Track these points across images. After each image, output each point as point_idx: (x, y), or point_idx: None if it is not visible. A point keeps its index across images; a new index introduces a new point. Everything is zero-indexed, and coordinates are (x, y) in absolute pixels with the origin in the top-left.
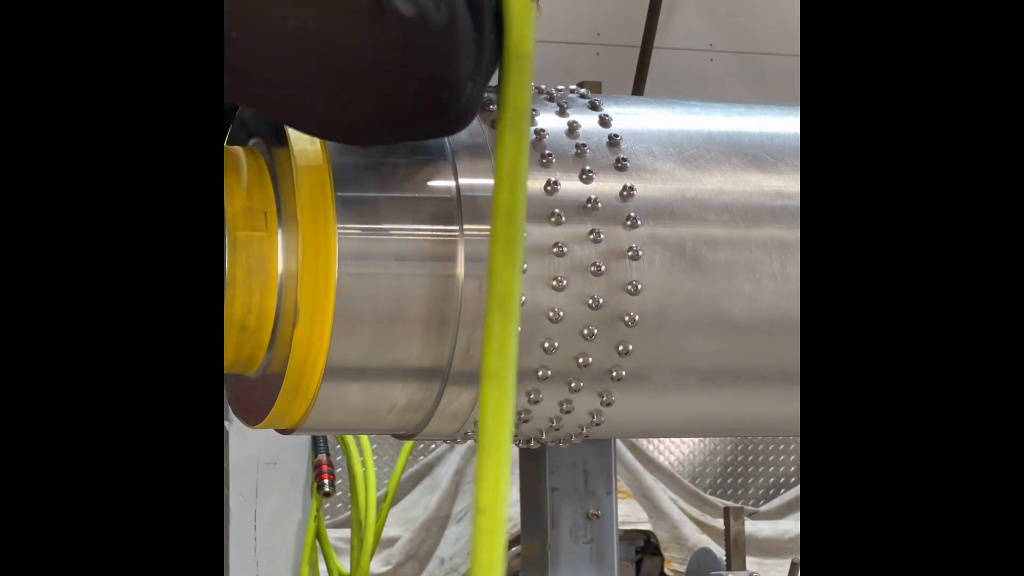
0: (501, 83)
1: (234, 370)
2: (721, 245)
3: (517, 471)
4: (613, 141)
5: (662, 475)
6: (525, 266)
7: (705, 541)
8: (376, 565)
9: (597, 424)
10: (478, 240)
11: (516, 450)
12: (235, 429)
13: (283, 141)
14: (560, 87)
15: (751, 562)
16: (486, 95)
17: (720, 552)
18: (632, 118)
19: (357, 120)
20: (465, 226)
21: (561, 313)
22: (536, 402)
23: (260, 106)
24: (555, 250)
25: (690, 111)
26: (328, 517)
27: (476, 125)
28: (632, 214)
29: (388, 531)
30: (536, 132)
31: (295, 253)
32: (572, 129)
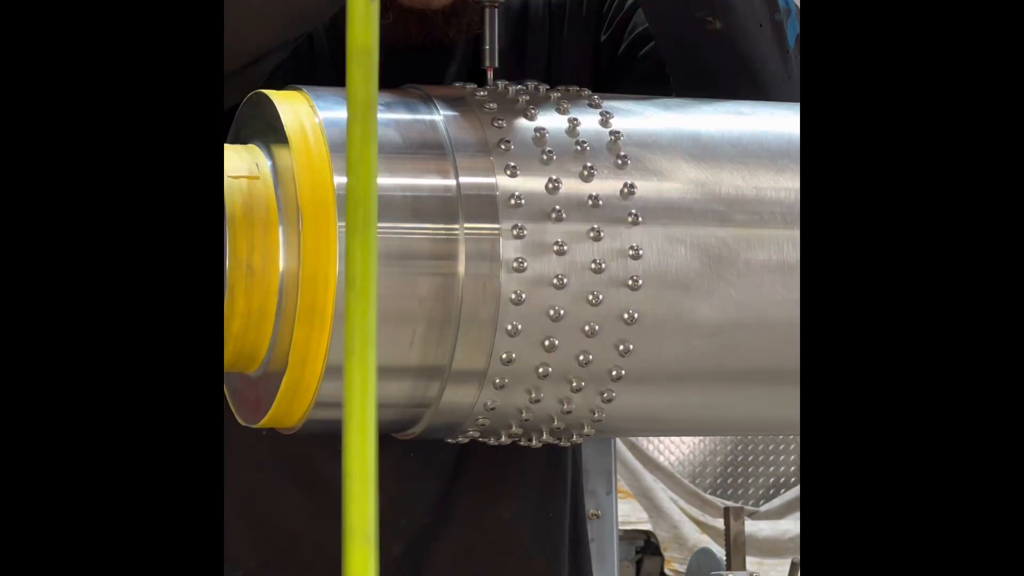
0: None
1: (235, 368)
2: (722, 243)
3: None
4: (614, 139)
5: (662, 475)
6: (525, 264)
7: (705, 541)
8: None
9: (598, 421)
10: (479, 239)
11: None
12: None
13: (283, 140)
14: (560, 86)
15: (751, 562)
16: (501, 89)
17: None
18: (632, 116)
19: None
20: (466, 224)
21: (562, 312)
22: (537, 401)
23: None
24: (555, 248)
25: (691, 109)
26: None
27: (477, 123)
28: (633, 212)
29: None
30: (537, 131)
31: (296, 251)
32: (572, 127)
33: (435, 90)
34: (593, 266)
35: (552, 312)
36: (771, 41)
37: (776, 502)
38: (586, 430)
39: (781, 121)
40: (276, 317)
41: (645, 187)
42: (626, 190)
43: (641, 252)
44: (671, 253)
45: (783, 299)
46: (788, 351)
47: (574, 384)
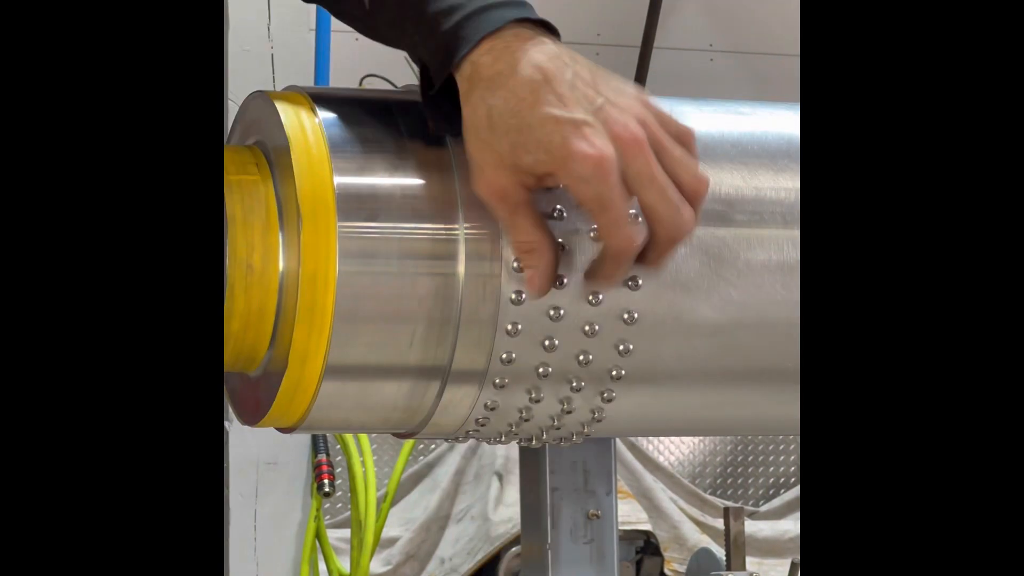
0: None
1: (234, 368)
2: (722, 243)
3: (517, 471)
4: None
5: (662, 475)
6: (520, 264)
7: (705, 541)
8: (376, 565)
9: (598, 421)
10: (479, 239)
11: (516, 449)
12: (235, 429)
13: (283, 140)
14: None
15: (751, 562)
16: None
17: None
18: None
19: None
20: (466, 224)
21: (562, 311)
22: (537, 401)
23: None
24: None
25: (691, 110)
26: (328, 517)
27: None
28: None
29: (388, 531)
30: None
31: (296, 251)
32: None
33: None
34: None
35: (552, 312)
36: None
37: (776, 502)
38: (586, 430)
39: (781, 121)
40: (276, 317)
41: None
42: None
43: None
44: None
45: (783, 299)
46: (788, 351)
47: (574, 384)
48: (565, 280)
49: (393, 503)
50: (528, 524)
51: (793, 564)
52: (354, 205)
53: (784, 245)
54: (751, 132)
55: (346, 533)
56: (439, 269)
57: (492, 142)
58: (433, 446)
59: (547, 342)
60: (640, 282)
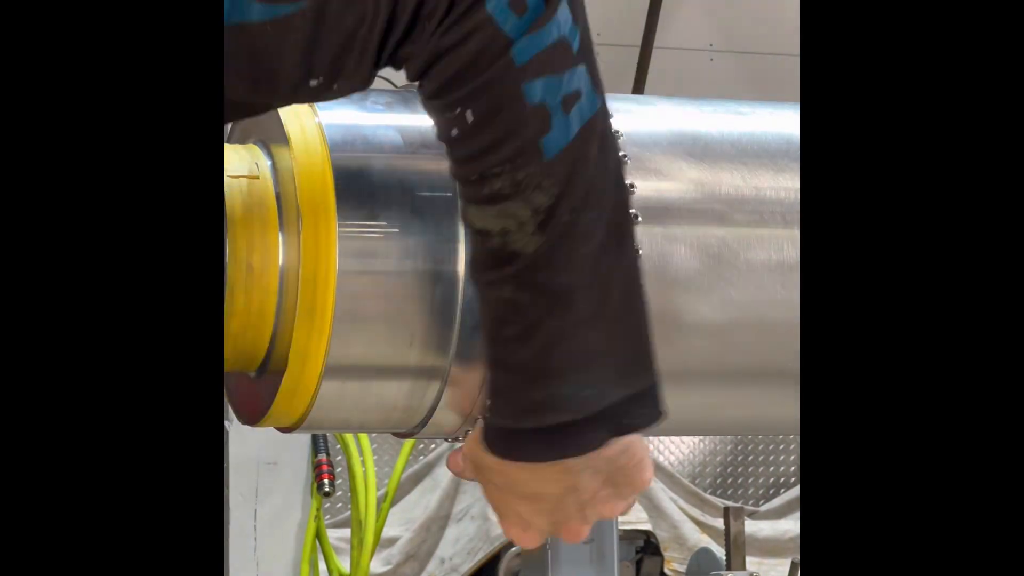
0: None
1: (234, 368)
2: (722, 243)
3: None
4: None
5: (662, 475)
6: None
7: (705, 541)
8: (376, 565)
9: None
10: None
11: None
12: (235, 429)
13: (283, 140)
14: None
15: (751, 562)
16: None
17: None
18: (633, 116)
19: None
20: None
21: None
22: None
23: None
24: None
25: (691, 110)
26: (328, 517)
27: None
28: (633, 211)
29: (388, 531)
30: None
31: (295, 251)
32: None
33: None
34: None
35: None
36: None
37: (776, 502)
38: None
39: (781, 121)
40: (276, 317)
41: (645, 186)
42: None
43: (641, 251)
44: (671, 252)
45: (783, 299)
46: (788, 351)
47: None
48: None
49: (393, 503)
50: None
51: (793, 564)
52: (354, 205)
53: (784, 245)
54: (751, 132)
55: (346, 533)
56: (439, 269)
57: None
58: (433, 446)
59: None
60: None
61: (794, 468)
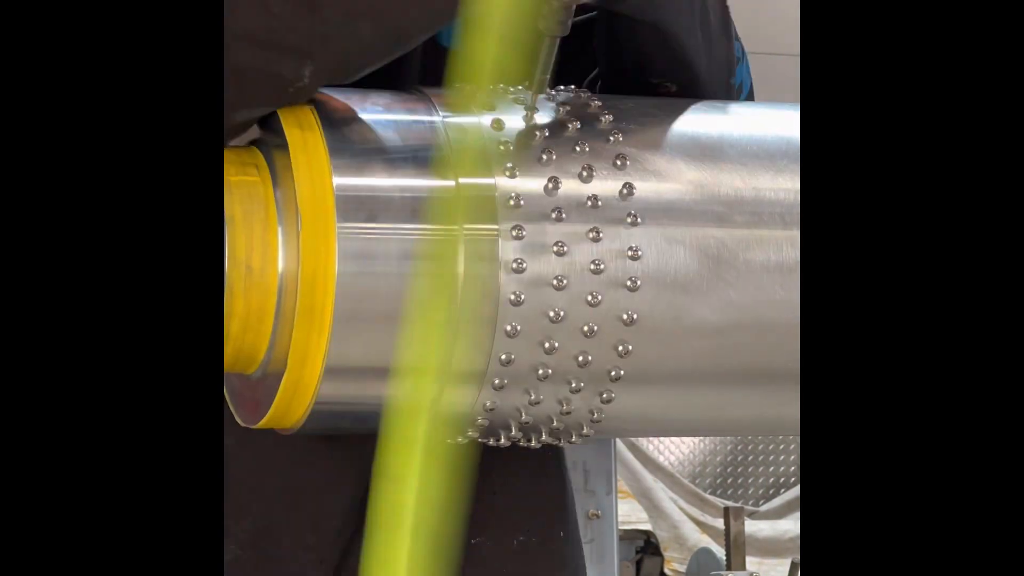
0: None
1: (234, 369)
2: (721, 244)
3: None
4: (613, 139)
5: (662, 475)
6: (524, 265)
7: (705, 541)
8: None
9: (597, 423)
10: (478, 239)
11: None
12: None
13: (282, 140)
14: (559, 87)
15: (751, 562)
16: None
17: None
18: (632, 117)
19: None
20: (465, 225)
21: (561, 312)
22: (536, 403)
23: None
24: (555, 249)
25: (691, 110)
26: None
27: (475, 124)
28: (632, 212)
29: None
30: (536, 131)
31: (295, 251)
32: (572, 128)
33: (434, 91)
34: (592, 267)
35: (551, 313)
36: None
37: (776, 502)
38: (585, 431)
39: (781, 121)
40: (275, 317)
41: (644, 187)
42: (625, 191)
43: (640, 253)
44: (670, 254)
45: (783, 299)
46: (788, 351)
47: (573, 385)
48: (564, 281)
49: None
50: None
51: (793, 564)
52: (353, 205)
53: (784, 245)
54: (751, 132)
55: None
56: (439, 269)
57: None
58: None
59: (546, 344)
60: (639, 283)
61: (794, 468)
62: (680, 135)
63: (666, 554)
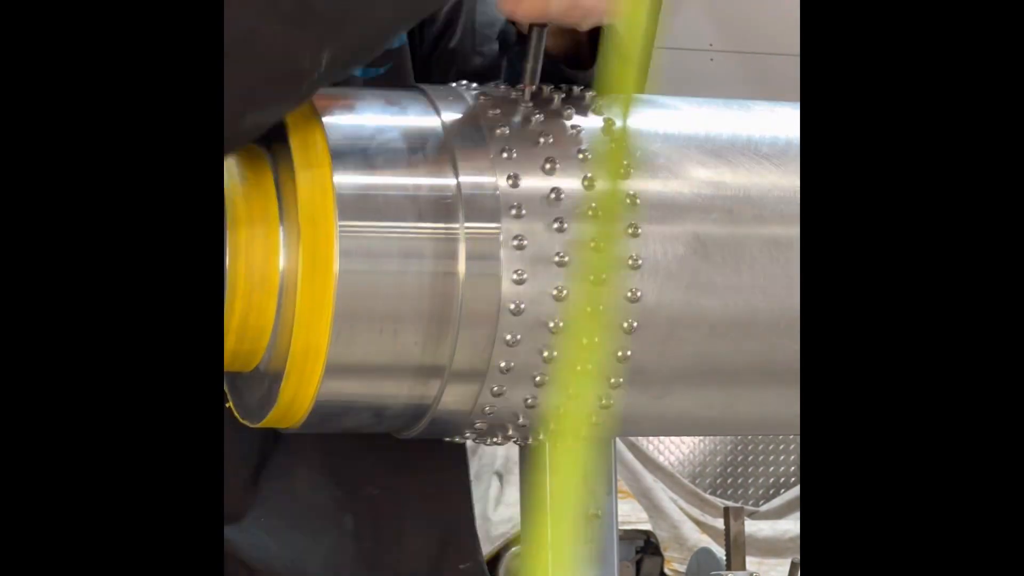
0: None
1: (234, 368)
2: (722, 243)
3: (517, 471)
4: (615, 146)
5: (662, 475)
6: (524, 275)
7: (705, 541)
8: None
9: (594, 425)
10: (479, 238)
11: (516, 449)
12: None
13: (284, 139)
14: (561, 86)
15: (751, 562)
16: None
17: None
18: (634, 119)
19: None
20: (466, 224)
21: (561, 322)
22: (533, 407)
23: None
24: (555, 252)
25: (692, 111)
26: None
27: (477, 124)
28: (634, 223)
29: None
30: (539, 133)
31: (296, 250)
32: (574, 131)
33: (435, 90)
34: (592, 276)
35: (551, 324)
36: None
37: (776, 502)
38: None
39: (781, 121)
40: (276, 317)
41: (647, 185)
42: (628, 201)
43: (641, 262)
44: (671, 251)
45: (783, 299)
46: (788, 351)
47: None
48: (564, 290)
49: None
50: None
51: (793, 564)
52: (354, 205)
53: (784, 245)
54: (751, 132)
55: None
56: (439, 268)
57: None
58: None
59: (545, 354)
60: (639, 294)
61: (794, 468)
62: (684, 138)
63: (666, 554)
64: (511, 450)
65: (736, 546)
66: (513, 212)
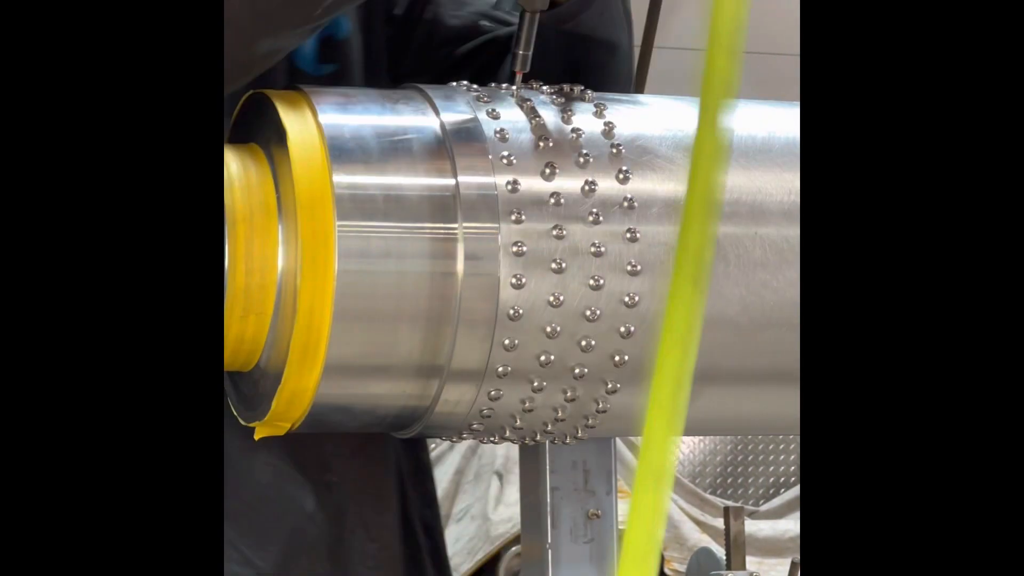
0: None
1: (234, 367)
2: (722, 243)
3: (516, 471)
4: (616, 151)
5: None
6: (523, 280)
7: (705, 541)
8: None
9: (590, 428)
10: (477, 238)
11: (516, 449)
12: None
13: (283, 139)
14: (560, 85)
15: (751, 562)
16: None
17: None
18: (633, 119)
19: None
20: (464, 224)
21: (559, 328)
22: (530, 410)
23: None
24: (554, 257)
25: (692, 109)
26: None
27: (476, 123)
28: (632, 228)
29: None
30: (538, 134)
31: (295, 250)
32: (574, 134)
33: (435, 90)
34: (592, 283)
35: (548, 329)
36: None
37: (776, 502)
38: (580, 434)
39: (781, 121)
40: (275, 316)
41: (645, 186)
42: (626, 204)
43: (640, 267)
44: (669, 260)
45: (783, 299)
46: (788, 351)
47: (568, 394)
48: (562, 297)
49: None
50: (528, 524)
51: (793, 564)
52: (353, 204)
53: (784, 245)
54: (751, 132)
55: None
56: (438, 268)
57: None
58: (433, 445)
59: (542, 357)
60: (638, 299)
61: (794, 468)
62: (682, 134)
63: (666, 554)
64: (511, 450)
65: (736, 546)
66: (513, 217)
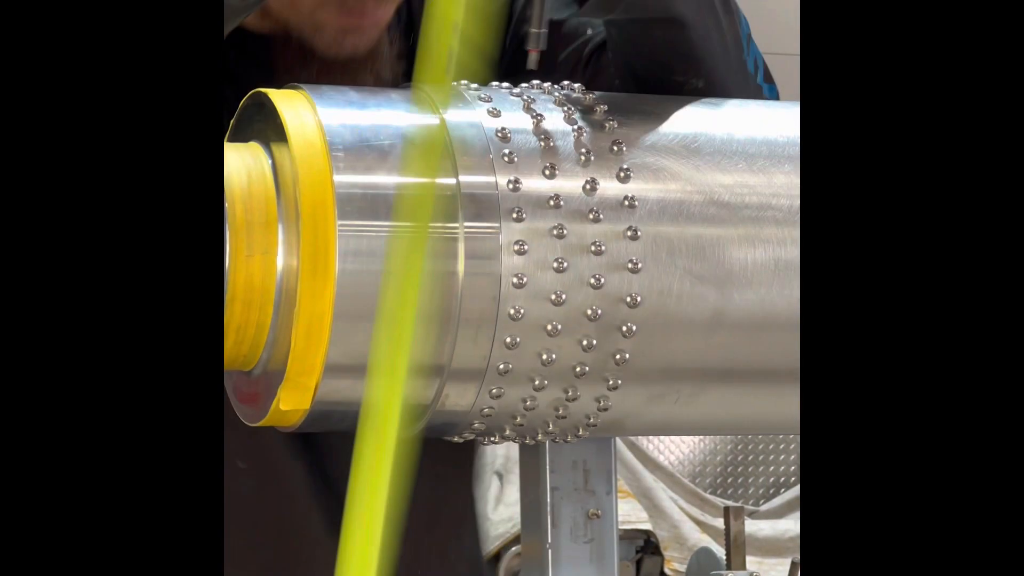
0: None
1: (234, 367)
2: (723, 242)
3: (516, 470)
4: (617, 149)
5: (662, 475)
6: (524, 280)
7: (705, 541)
8: None
9: (592, 426)
10: (478, 237)
11: (516, 448)
12: None
13: (283, 138)
14: (561, 84)
15: (751, 562)
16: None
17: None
18: (635, 118)
19: None
20: (465, 223)
21: (559, 327)
22: (531, 408)
23: None
24: (554, 258)
25: (693, 111)
26: None
27: (477, 122)
28: (633, 226)
29: None
30: (540, 134)
31: (295, 250)
32: (576, 134)
33: (435, 89)
34: (592, 281)
35: (549, 327)
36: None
37: (776, 502)
38: (581, 432)
39: (781, 121)
40: (275, 316)
41: (645, 188)
42: (627, 203)
43: (640, 266)
44: (671, 258)
45: (783, 299)
46: (788, 351)
47: (569, 393)
48: (563, 296)
49: None
50: (528, 523)
51: (793, 564)
52: (354, 204)
53: (784, 245)
54: (751, 131)
55: None
56: (439, 268)
57: None
58: None
59: (544, 355)
60: (639, 299)
61: (794, 468)
62: (684, 137)
63: (666, 554)
64: (511, 450)
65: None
66: (514, 216)
